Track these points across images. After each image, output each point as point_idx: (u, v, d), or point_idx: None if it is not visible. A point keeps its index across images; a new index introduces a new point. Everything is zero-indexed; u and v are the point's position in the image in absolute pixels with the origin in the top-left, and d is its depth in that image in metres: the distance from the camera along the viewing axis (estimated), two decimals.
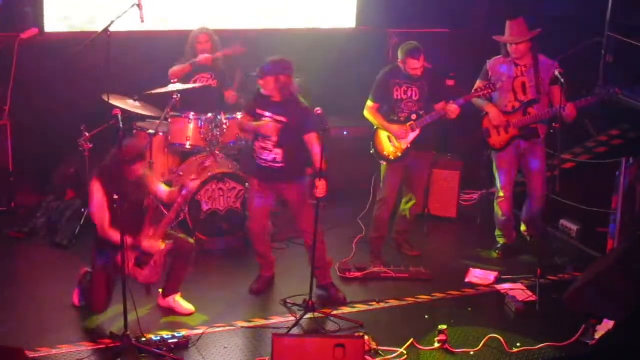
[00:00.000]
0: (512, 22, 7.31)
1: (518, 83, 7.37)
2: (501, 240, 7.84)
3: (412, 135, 7.24)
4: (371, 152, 7.41)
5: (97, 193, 6.22)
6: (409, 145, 7.26)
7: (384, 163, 7.37)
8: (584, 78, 9.45)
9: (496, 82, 7.29)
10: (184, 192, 6.39)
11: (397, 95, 7.24)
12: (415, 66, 7.10)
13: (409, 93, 7.24)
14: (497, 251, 7.82)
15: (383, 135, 7.34)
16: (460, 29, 9.67)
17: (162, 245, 6.34)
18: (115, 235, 6.12)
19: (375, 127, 7.37)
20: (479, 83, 7.47)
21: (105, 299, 6.33)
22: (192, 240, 6.72)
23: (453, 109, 7.11)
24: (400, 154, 7.29)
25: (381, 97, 7.29)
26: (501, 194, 7.65)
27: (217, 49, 8.28)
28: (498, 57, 7.47)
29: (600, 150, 9.16)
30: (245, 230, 7.35)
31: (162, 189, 6.54)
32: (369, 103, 7.32)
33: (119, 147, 6.01)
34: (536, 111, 7.29)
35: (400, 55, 7.19)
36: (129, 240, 6.17)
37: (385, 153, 7.33)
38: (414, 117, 7.23)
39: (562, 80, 6.86)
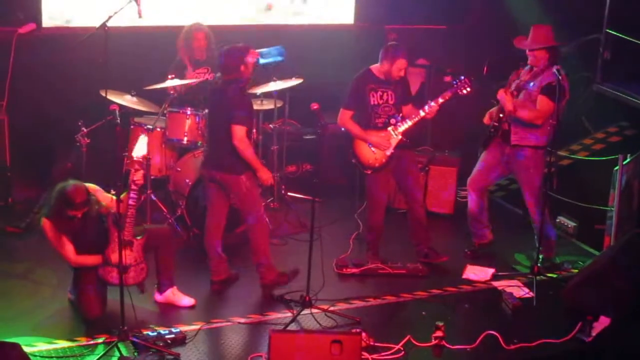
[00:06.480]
0: (536, 27, 7.06)
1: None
2: (473, 239, 7.69)
3: (394, 142, 7.13)
4: (352, 161, 7.26)
5: (50, 232, 6.18)
6: (393, 152, 7.15)
7: (369, 172, 7.21)
8: (582, 75, 9.46)
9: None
10: (132, 187, 6.14)
11: (374, 101, 7.10)
12: (404, 66, 7.00)
13: (385, 97, 7.10)
14: (467, 250, 7.67)
15: (362, 144, 7.17)
16: (457, 25, 9.66)
17: (132, 245, 6.25)
18: (87, 260, 6.23)
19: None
20: None
21: (100, 304, 6.31)
22: (166, 225, 6.60)
23: (434, 109, 7.05)
24: (385, 161, 7.16)
25: (356, 104, 7.13)
26: (469, 191, 7.54)
27: (212, 45, 8.28)
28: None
29: (597, 147, 9.17)
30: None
31: (109, 197, 6.33)
32: (343, 111, 7.14)
33: (63, 190, 6.02)
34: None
35: (386, 55, 7.00)
36: (100, 260, 6.21)
37: (369, 162, 7.17)
38: (392, 121, 7.12)
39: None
